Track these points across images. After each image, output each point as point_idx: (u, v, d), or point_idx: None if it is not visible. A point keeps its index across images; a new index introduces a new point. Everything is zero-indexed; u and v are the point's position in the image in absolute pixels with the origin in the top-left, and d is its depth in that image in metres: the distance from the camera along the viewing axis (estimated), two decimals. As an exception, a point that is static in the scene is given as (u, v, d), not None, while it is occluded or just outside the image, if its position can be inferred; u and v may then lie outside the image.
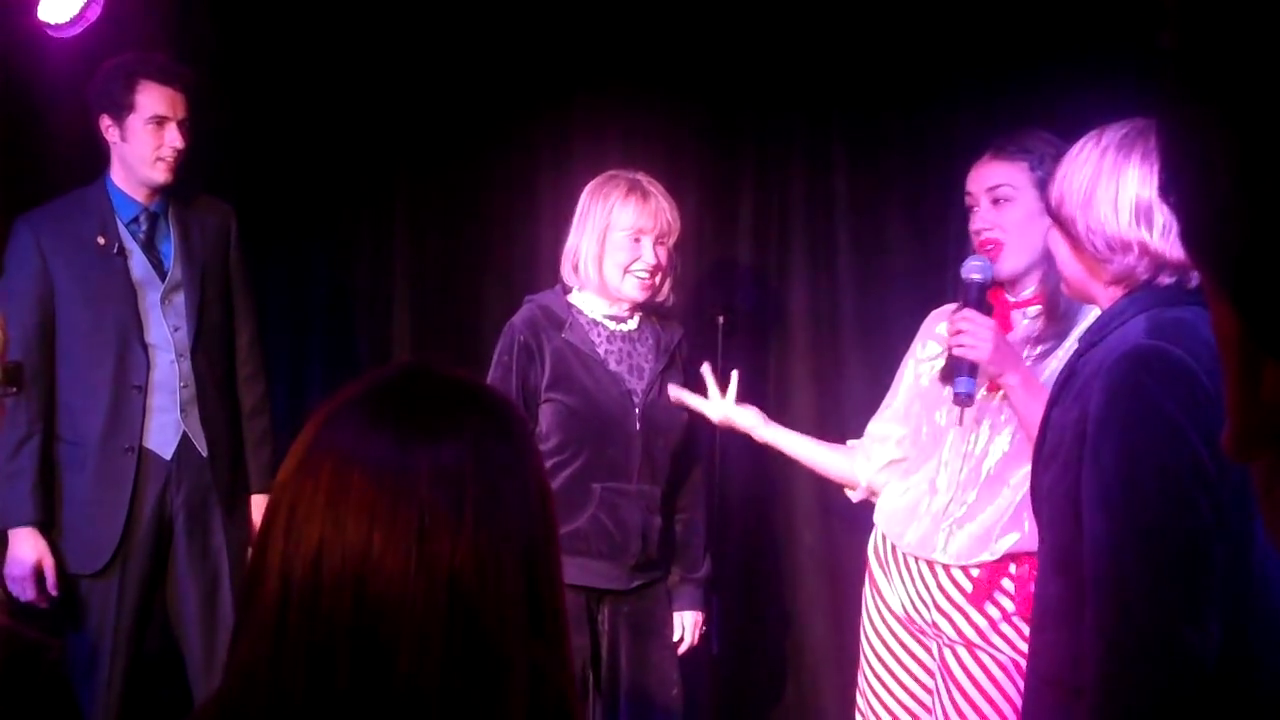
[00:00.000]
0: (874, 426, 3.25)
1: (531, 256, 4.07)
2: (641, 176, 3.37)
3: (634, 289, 3.32)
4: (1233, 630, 1.99)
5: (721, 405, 3.32)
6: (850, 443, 3.32)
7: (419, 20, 4.28)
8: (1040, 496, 2.19)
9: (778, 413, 4.24)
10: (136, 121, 3.57)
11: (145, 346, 3.60)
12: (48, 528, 3.55)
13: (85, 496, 3.58)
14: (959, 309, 2.88)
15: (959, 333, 2.80)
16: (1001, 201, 2.91)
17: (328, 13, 4.27)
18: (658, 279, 3.33)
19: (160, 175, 3.60)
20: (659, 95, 4.25)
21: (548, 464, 3.21)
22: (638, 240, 3.30)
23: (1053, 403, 2.19)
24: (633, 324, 3.41)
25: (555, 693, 1.23)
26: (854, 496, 3.29)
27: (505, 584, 1.19)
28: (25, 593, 3.52)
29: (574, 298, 3.40)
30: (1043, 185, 2.89)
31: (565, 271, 3.39)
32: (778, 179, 4.26)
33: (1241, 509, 1.96)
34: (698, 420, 3.40)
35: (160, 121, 3.57)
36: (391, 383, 1.28)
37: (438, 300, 4.34)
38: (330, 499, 1.19)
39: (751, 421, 3.33)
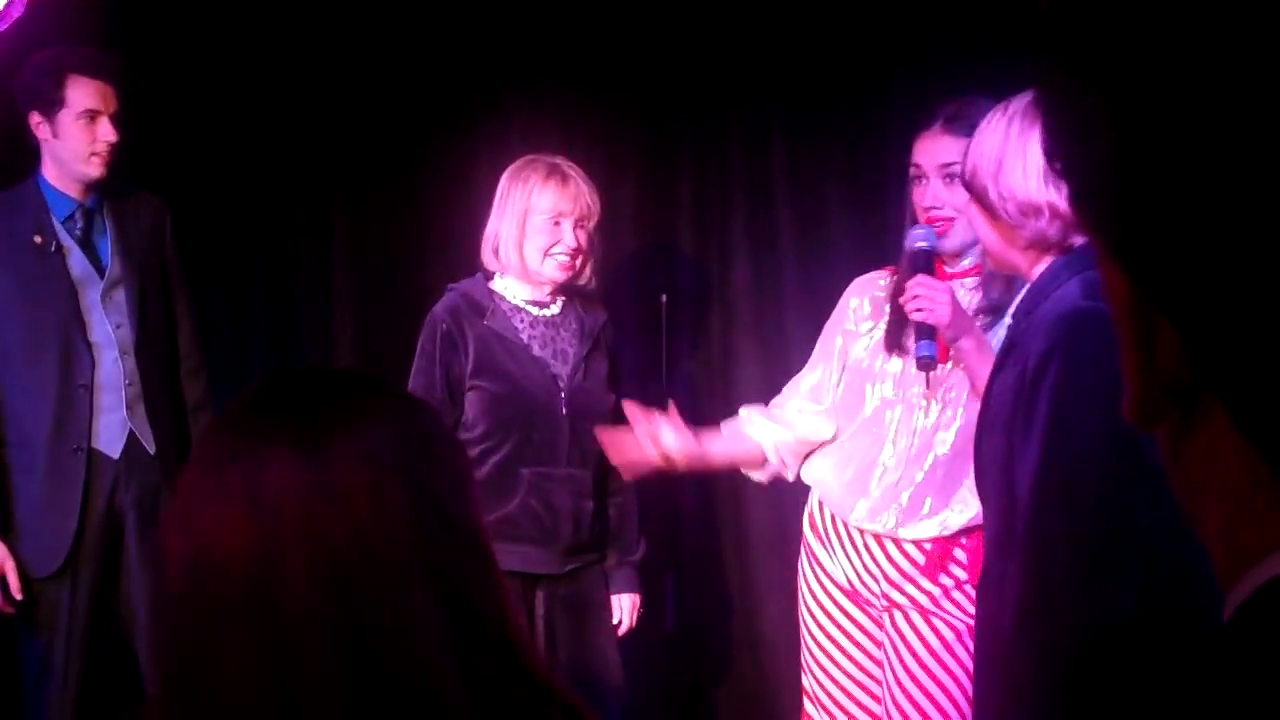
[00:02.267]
0: (793, 402, 3.15)
1: (473, 246, 4.03)
2: (560, 160, 3.37)
3: (554, 270, 3.32)
4: (1169, 585, 1.98)
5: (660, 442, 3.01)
6: (745, 411, 3.17)
7: (356, 12, 4.25)
8: (983, 466, 2.19)
9: (723, 390, 4.25)
10: (68, 117, 3.52)
11: (89, 345, 3.56)
12: (4, 531, 3.51)
13: (35, 499, 3.54)
14: (907, 277, 2.85)
15: (915, 298, 2.77)
16: (954, 179, 2.87)
17: (262, 5, 4.23)
18: (578, 261, 3.34)
19: (95, 170, 3.56)
20: (596, 80, 4.23)
21: (475, 451, 3.23)
22: (557, 223, 3.30)
23: (996, 371, 2.19)
24: (555, 309, 3.41)
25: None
26: (759, 477, 3.22)
27: (404, 591, 1.17)
28: (-12, 598, 3.49)
29: (496, 284, 3.40)
30: None
31: (486, 256, 3.39)
32: (716, 157, 4.25)
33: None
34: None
35: (92, 116, 3.52)
36: (281, 385, 1.30)
37: (380, 292, 4.32)
38: (219, 497, 1.19)
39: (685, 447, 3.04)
